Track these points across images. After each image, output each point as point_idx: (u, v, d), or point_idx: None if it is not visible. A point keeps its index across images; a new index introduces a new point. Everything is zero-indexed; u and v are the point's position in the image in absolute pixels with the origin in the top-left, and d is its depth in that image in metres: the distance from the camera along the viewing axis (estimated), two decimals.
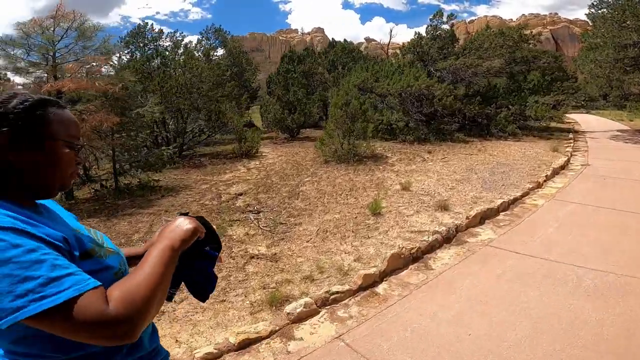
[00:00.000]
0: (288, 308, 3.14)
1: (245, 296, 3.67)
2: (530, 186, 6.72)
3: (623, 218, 5.08)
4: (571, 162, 9.02)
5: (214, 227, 1.05)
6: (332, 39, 30.68)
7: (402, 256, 4.03)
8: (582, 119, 22.81)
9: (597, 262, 3.80)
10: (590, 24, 16.35)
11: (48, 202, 0.91)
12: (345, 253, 4.59)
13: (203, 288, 1.04)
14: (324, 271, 4.14)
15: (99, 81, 6.80)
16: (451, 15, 17.41)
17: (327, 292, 3.38)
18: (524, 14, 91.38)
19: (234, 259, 4.57)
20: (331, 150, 9.84)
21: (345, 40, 28.37)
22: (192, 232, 0.87)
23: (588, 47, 16.82)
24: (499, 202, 5.76)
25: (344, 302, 3.36)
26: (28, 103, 0.78)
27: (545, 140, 12.89)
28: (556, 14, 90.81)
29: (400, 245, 4.37)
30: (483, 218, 5.32)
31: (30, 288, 0.61)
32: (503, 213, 5.59)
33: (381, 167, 9.10)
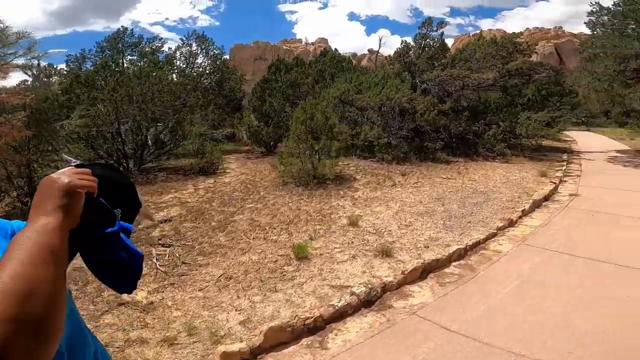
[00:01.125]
0: None
1: None
2: (501, 224, 5.61)
3: (603, 277, 3.96)
4: (559, 190, 7.89)
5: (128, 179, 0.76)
6: (323, 48, 30.06)
7: (291, 328, 2.99)
8: (581, 137, 21.50)
9: (550, 349, 2.70)
10: (590, 33, 15.07)
11: None
12: (237, 310, 3.63)
13: (123, 271, 0.70)
14: (194, 333, 3.21)
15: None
16: (441, 23, 16.29)
17: None
18: (528, 28, 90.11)
19: (95, 304, 3.71)
20: (290, 170, 8.82)
21: (336, 49, 27.66)
22: (66, 190, 0.57)
23: (587, 58, 15.55)
24: (453, 248, 4.67)
25: None
26: None
27: (536, 162, 11.76)
28: (560, 27, 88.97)
29: (311, 305, 3.39)
30: (426, 271, 4.24)
31: None
32: (455, 263, 4.50)
33: (342, 193, 8.05)
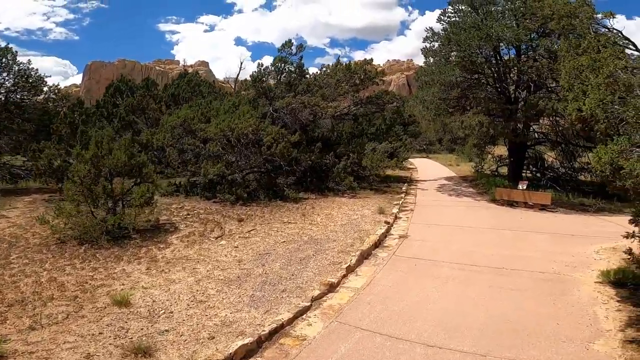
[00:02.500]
0: None
1: None
2: (318, 292, 4.60)
3: None
4: (391, 232, 7.61)
5: None
6: (184, 69, 27.52)
7: None
8: (421, 164, 24.15)
9: None
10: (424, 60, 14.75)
11: None
12: None
13: None
14: None
15: None
16: (301, 46, 15.65)
17: None
18: (388, 60, 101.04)
19: None
20: (74, 223, 6.41)
21: (196, 72, 25.55)
22: None
23: (420, 86, 15.59)
24: (239, 343, 3.32)
25: None
26: None
27: (380, 195, 11.96)
28: (411, 60, 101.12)
29: None
30: None
31: None
32: None
33: (142, 252, 6.09)
